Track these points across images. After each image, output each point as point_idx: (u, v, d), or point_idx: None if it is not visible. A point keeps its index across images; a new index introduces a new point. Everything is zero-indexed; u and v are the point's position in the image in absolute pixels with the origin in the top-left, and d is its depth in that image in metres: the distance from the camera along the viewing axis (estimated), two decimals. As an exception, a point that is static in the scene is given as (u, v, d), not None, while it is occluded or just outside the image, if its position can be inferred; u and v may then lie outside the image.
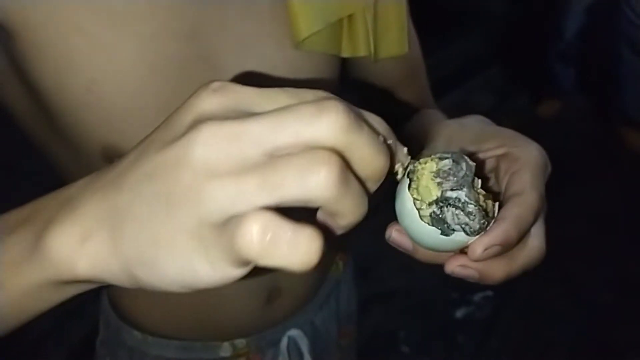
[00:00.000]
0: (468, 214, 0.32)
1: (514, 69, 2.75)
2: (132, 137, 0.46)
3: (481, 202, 0.33)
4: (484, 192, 0.33)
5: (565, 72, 2.52)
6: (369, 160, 0.24)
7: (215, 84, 0.25)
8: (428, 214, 0.31)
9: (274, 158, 0.23)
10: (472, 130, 0.42)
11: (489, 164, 0.40)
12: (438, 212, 0.32)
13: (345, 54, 0.53)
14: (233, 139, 0.23)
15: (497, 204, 0.34)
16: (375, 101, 0.64)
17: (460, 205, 0.32)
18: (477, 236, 0.32)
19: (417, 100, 0.63)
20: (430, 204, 0.32)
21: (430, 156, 0.32)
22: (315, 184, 0.22)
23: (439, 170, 0.32)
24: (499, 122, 0.43)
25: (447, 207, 0.32)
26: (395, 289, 1.73)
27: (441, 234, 0.31)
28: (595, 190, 2.14)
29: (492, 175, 0.40)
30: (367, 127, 0.24)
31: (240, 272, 0.24)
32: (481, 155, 0.40)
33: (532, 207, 0.35)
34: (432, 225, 0.31)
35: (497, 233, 0.32)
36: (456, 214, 0.32)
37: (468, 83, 2.67)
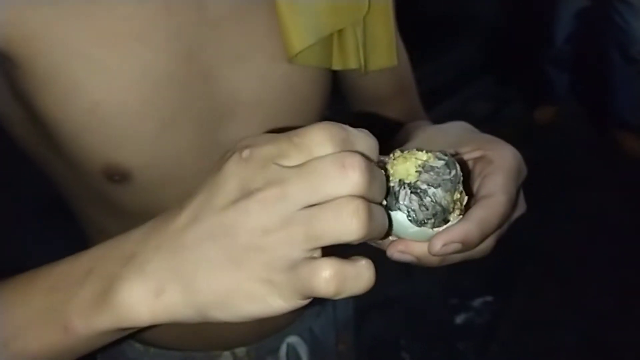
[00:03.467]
0: (420, 204, 0.32)
1: (508, 76, 2.76)
2: (134, 155, 0.47)
3: (450, 210, 0.33)
4: (461, 207, 0.34)
5: (559, 78, 2.54)
6: (379, 191, 0.29)
7: (245, 153, 0.29)
8: (389, 186, 0.32)
9: (313, 209, 0.28)
10: (451, 134, 0.43)
11: (466, 168, 0.40)
12: (397, 189, 0.32)
13: (336, 67, 0.54)
14: (277, 202, 0.28)
15: (461, 216, 0.34)
16: (366, 115, 0.65)
17: (420, 194, 0.32)
18: (419, 228, 0.33)
19: (409, 113, 0.64)
20: (399, 183, 0.32)
21: (427, 151, 0.33)
22: (349, 230, 0.27)
23: (426, 162, 0.33)
24: (495, 129, 0.44)
25: (408, 189, 0.32)
26: (394, 296, 1.74)
27: (386, 206, 0.32)
28: (592, 194, 2.15)
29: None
30: (376, 169, 0.29)
31: (308, 301, 0.29)
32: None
33: (498, 210, 0.36)
34: (385, 198, 0.31)
35: (458, 231, 0.34)
36: (410, 197, 0.32)
37: (463, 92, 2.68)
